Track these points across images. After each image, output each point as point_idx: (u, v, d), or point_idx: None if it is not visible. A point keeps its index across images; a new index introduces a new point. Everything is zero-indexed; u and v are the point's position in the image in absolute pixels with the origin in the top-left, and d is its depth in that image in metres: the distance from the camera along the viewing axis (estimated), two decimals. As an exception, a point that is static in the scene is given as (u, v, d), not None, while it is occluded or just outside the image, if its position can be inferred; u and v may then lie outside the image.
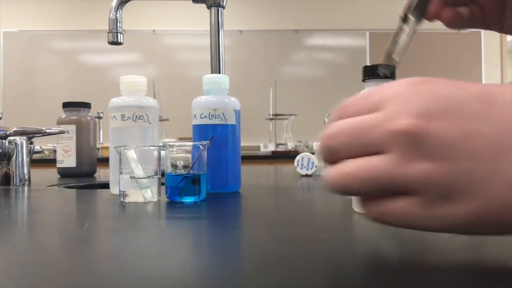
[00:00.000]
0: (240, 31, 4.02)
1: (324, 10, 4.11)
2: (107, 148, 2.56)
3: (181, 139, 3.11)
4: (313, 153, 1.05)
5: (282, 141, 3.45)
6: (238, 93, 0.72)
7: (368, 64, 0.49)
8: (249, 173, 1.15)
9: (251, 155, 2.89)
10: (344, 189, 0.29)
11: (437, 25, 0.56)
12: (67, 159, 1.12)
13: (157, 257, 0.32)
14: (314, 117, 3.78)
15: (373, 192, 0.28)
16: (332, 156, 0.30)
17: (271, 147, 3.40)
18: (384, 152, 0.27)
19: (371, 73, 0.48)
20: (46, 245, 0.38)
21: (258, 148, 3.58)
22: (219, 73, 0.94)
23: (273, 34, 4.08)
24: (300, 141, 3.51)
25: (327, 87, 4.05)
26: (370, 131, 0.27)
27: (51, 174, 1.18)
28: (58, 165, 1.13)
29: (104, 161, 1.25)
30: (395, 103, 0.27)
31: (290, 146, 3.38)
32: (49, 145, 2.86)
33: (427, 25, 0.52)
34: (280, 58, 4.11)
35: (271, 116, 3.48)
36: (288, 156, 2.92)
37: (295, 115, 3.41)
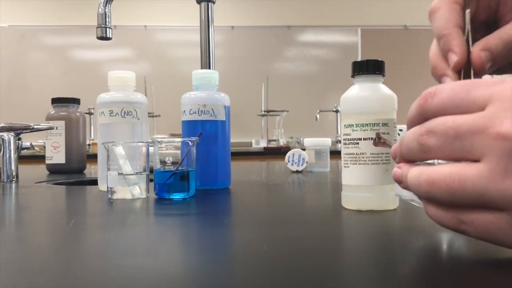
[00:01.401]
0: (232, 27, 4.00)
1: (316, 6, 4.11)
2: (97, 144, 2.54)
3: (172, 135, 3.09)
4: (304, 149, 1.05)
5: (274, 137, 3.45)
6: (230, 89, 0.72)
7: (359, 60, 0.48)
8: (240, 169, 1.15)
9: (243, 151, 2.88)
10: (427, 196, 0.29)
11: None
12: (56, 155, 1.11)
13: (144, 255, 0.32)
14: (306, 113, 3.79)
15: (457, 202, 0.27)
16: (422, 154, 0.29)
17: (263, 143, 3.39)
18: (480, 159, 0.26)
19: (360, 68, 0.48)
20: (30, 242, 0.37)
21: (250, 144, 3.57)
22: (209, 69, 0.94)
23: (265, 30, 4.07)
24: (292, 137, 3.51)
25: (319, 83, 4.05)
26: (470, 136, 0.26)
27: (40, 171, 1.17)
28: (47, 162, 1.12)
29: (95, 158, 1.24)
30: (500, 105, 0.26)
31: (282, 142, 3.38)
32: (40, 141, 2.83)
33: (422, 21, 0.51)
34: (272, 54, 4.10)
35: (263, 112, 3.47)
36: (280, 152, 2.92)
37: (287, 111, 3.41)
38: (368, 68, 0.48)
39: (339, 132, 3.41)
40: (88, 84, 3.75)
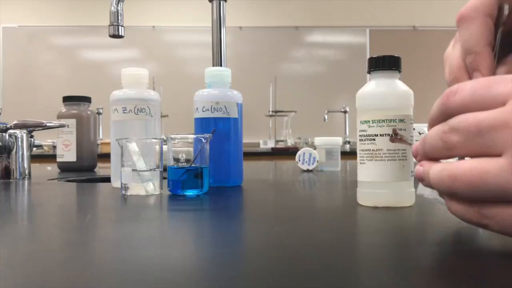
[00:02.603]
0: (240, 27, 4.01)
1: (325, 7, 4.10)
2: (106, 143, 2.55)
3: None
4: (315, 148, 1.05)
5: (282, 138, 3.45)
6: (238, 89, 0.72)
7: None
8: (249, 168, 1.15)
9: (251, 152, 2.88)
10: (449, 191, 0.29)
11: (442, 22, 0.55)
12: (67, 154, 1.11)
13: (162, 248, 0.32)
14: (314, 113, 3.78)
15: (479, 197, 0.27)
16: (446, 152, 0.29)
17: (271, 144, 3.39)
18: (501, 154, 0.26)
19: (376, 64, 0.47)
20: (48, 237, 0.37)
21: (258, 144, 3.57)
22: (221, 66, 0.94)
23: (273, 31, 4.07)
24: (300, 138, 3.50)
25: (327, 84, 4.04)
26: (491, 131, 0.26)
27: (51, 169, 1.18)
28: (58, 159, 1.12)
29: (104, 157, 1.25)
30: None
31: (290, 142, 3.38)
32: (49, 141, 2.85)
33: (431, 22, 0.51)
34: (280, 54, 4.10)
35: (271, 113, 3.47)
36: (288, 152, 2.92)
37: (295, 111, 3.41)
38: (385, 64, 0.47)
39: (347, 133, 3.41)
40: (97, 84, 3.77)
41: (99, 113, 3.03)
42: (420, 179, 0.32)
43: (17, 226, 0.43)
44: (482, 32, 0.34)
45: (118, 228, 0.40)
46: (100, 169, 1.18)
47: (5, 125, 0.85)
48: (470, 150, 0.28)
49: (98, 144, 2.77)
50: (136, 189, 0.60)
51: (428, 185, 0.31)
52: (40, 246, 0.33)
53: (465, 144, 0.28)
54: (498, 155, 0.26)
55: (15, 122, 0.87)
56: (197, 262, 0.29)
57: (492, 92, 0.27)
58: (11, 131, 0.86)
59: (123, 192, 0.60)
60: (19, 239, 0.36)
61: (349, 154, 2.76)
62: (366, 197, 0.48)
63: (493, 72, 0.34)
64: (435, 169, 0.30)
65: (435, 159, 0.31)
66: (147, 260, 0.28)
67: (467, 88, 0.29)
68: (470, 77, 0.35)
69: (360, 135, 0.48)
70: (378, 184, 0.46)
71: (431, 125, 0.32)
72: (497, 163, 0.26)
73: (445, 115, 0.30)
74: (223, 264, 0.28)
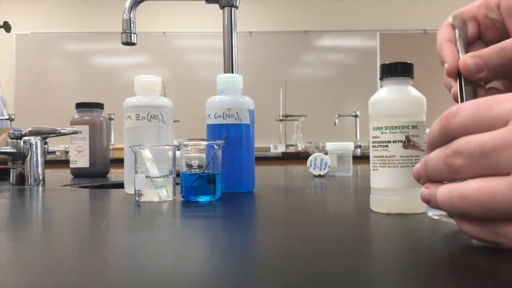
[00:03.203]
0: (250, 32, 4.02)
1: (334, 11, 4.11)
2: (118, 149, 2.57)
3: (191, 139, 3.12)
4: (326, 154, 1.05)
5: (292, 142, 3.45)
6: (248, 94, 0.72)
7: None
8: (260, 174, 1.15)
9: (261, 156, 2.89)
10: (460, 212, 0.29)
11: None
12: (80, 160, 1.12)
13: (176, 255, 0.32)
14: (324, 118, 3.78)
15: (490, 216, 0.27)
16: (451, 175, 0.30)
17: (281, 148, 3.39)
18: (509, 173, 0.26)
19: (389, 71, 0.47)
20: (65, 244, 0.38)
21: (268, 149, 3.58)
22: (233, 73, 0.94)
23: (283, 35, 4.08)
24: (310, 142, 3.50)
25: (337, 88, 4.04)
26: (497, 152, 0.27)
27: (64, 174, 1.19)
28: (71, 166, 1.14)
29: (115, 162, 1.26)
30: None
31: (300, 147, 3.37)
32: (61, 146, 2.88)
33: (436, 25, 0.51)
34: (290, 59, 4.10)
35: (281, 117, 3.48)
36: (298, 157, 2.92)
37: (305, 116, 3.41)
38: (397, 70, 0.47)
39: (358, 137, 3.40)
40: (108, 89, 3.80)
41: (110, 119, 3.05)
42: (426, 202, 0.32)
43: (33, 232, 0.43)
44: (441, 35, 0.45)
45: (134, 235, 0.40)
46: (113, 175, 1.19)
47: (20, 132, 0.86)
48: (476, 172, 0.28)
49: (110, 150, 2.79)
50: (149, 195, 0.60)
51: (436, 207, 0.31)
52: (56, 253, 0.33)
53: (471, 166, 0.28)
54: (506, 174, 0.26)
55: (29, 129, 0.88)
56: (211, 270, 0.29)
57: (493, 112, 0.28)
58: (26, 138, 0.87)
59: (137, 198, 0.60)
60: (35, 246, 0.36)
61: (360, 159, 2.75)
62: (379, 203, 0.48)
63: (455, 58, 0.41)
64: (442, 191, 0.30)
65: (439, 181, 0.31)
66: (162, 268, 0.28)
67: (466, 109, 0.29)
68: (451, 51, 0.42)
69: (373, 142, 0.48)
70: (391, 190, 0.46)
71: (431, 147, 0.32)
72: (505, 182, 0.26)
73: (446, 137, 0.30)
74: (237, 272, 0.28)
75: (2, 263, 0.30)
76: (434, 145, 0.32)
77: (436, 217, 0.36)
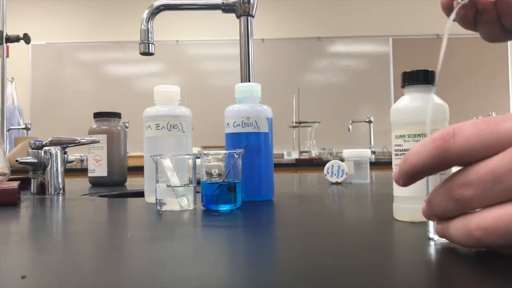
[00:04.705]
0: (262, 39, 4.04)
1: (347, 17, 4.11)
2: (132, 157, 2.58)
3: (204, 147, 3.13)
4: (343, 160, 1.04)
5: (306, 149, 3.44)
6: (261, 101, 0.73)
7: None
8: (277, 181, 1.15)
9: (275, 163, 2.88)
10: (481, 244, 0.28)
11: (461, 30, 0.55)
12: (99, 169, 1.13)
13: (199, 266, 0.32)
14: (337, 124, 3.77)
15: None
16: (461, 209, 0.28)
17: (295, 155, 3.39)
18: None
19: (411, 79, 0.47)
20: (90, 254, 0.38)
21: (282, 156, 3.58)
22: (249, 81, 0.95)
23: (296, 42, 4.09)
24: (324, 149, 3.49)
25: (350, 94, 4.03)
26: (509, 176, 0.25)
27: (83, 183, 1.20)
28: (90, 174, 1.15)
29: (131, 170, 1.27)
30: None
31: (314, 153, 3.37)
32: (76, 154, 2.91)
33: (454, 30, 0.50)
34: (303, 65, 4.11)
35: (294, 124, 3.48)
36: (312, 163, 2.91)
37: (319, 122, 3.40)
38: (419, 78, 0.47)
39: (372, 143, 3.38)
40: (122, 98, 3.84)
41: (125, 127, 3.08)
42: (443, 237, 0.32)
43: (60, 243, 0.44)
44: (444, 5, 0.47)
45: (160, 244, 0.41)
46: (130, 183, 1.20)
47: (40, 142, 0.88)
48: (490, 200, 0.27)
49: (125, 158, 2.81)
50: (171, 204, 0.61)
51: (452, 241, 0.30)
52: (81, 265, 0.34)
53: (484, 195, 0.27)
54: None
55: (50, 139, 0.89)
56: (235, 282, 0.29)
57: (501, 130, 0.26)
58: (46, 148, 0.88)
59: (158, 207, 0.61)
60: (59, 256, 0.37)
61: (375, 165, 2.74)
62: (403, 212, 0.48)
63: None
64: (456, 225, 0.29)
65: (449, 218, 0.30)
66: (189, 279, 0.28)
67: (467, 128, 0.27)
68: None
69: (395, 150, 0.48)
70: (415, 199, 0.46)
71: (424, 173, 0.30)
72: None
73: (444, 160, 0.28)
74: (260, 284, 0.28)
75: (31, 276, 0.30)
76: (430, 170, 0.29)
77: (439, 241, 0.35)
